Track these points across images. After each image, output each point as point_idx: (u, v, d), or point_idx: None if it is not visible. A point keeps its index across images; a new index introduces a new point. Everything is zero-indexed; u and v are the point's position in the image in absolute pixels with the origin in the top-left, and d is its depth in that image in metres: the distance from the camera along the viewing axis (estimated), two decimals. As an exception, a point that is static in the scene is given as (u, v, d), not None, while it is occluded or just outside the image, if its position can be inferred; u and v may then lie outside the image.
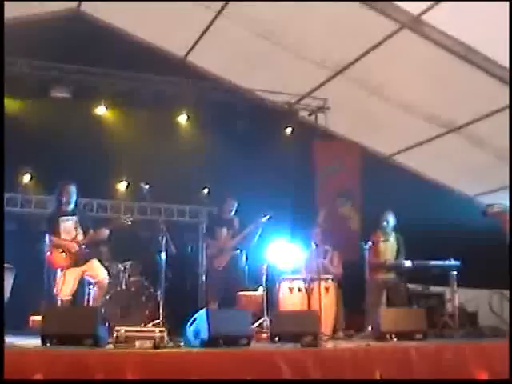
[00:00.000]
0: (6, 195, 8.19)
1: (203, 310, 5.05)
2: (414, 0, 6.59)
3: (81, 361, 3.82)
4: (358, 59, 7.78)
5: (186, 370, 4.00)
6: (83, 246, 6.20)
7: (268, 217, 6.97)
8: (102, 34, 8.38)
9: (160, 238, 6.15)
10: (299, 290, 6.94)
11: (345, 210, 9.08)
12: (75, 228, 6.26)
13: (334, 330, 6.71)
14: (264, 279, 6.93)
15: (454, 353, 4.73)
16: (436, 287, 8.06)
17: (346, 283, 7.24)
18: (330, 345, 5.30)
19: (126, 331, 4.88)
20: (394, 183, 8.61)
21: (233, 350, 4.57)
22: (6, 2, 5.62)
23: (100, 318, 4.88)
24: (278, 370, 4.14)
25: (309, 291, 6.91)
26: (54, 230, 6.21)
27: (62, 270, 6.08)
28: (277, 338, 5.28)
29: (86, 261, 6.24)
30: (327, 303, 6.73)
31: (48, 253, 6.05)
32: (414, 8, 6.72)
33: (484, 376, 4.59)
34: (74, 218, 6.31)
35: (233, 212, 7.21)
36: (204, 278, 7.30)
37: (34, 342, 4.68)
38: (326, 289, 6.89)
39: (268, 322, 6.19)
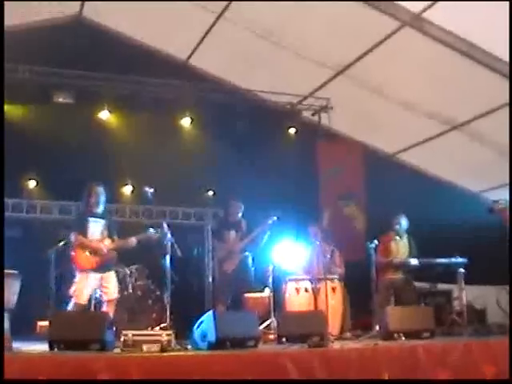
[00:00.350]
0: (11, 201, 8.22)
1: (210, 313, 5.05)
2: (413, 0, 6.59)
3: (88, 365, 3.83)
4: (359, 58, 7.78)
5: (194, 372, 3.99)
6: (111, 252, 6.05)
7: (275, 218, 6.96)
8: (103, 39, 8.40)
9: (165, 241, 6.14)
10: (306, 290, 6.94)
11: (349, 209, 9.07)
12: (102, 232, 6.09)
13: (341, 330, 6.70)
14: (270, 280, 6.92)
15: (462, 351, 4.70)
16: (443, 285, 8.03)
17: (353, 283, 7.22)
18: (337, 345, 5.28)
19: (134, 335, 4.88)
20: (398, 181, 8.60)
21: (240, 351, 4.57)
22: (6, 9, 5.61)
23: (107, 323, 4.88)
24: (286, 371, 4.13)
25: (315, 291, 6.91)
26: (82, 230, 6.02)
27: (82, 272, 5.90)
28: (284, 339, 5.28)
29: (108, 270, 6.06)
30: (334, 303, 6.72)
31: (73, 252, 5.92)
32: (414, 6, 6.71)
33: (492, 373, 4.56)
34: (103, 221, 6.13)
35: (240, 214, 7.21)
36: (211, 280, 7.30)
37: (42, 347, 4.69)
38: (333, 289, 6.88)
39: (275, 323, 6.17)
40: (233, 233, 7.11)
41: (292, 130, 8.97)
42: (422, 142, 9.03)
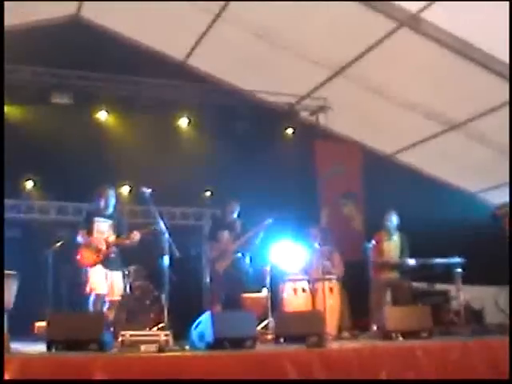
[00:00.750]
0: (10, 202, 8.21)
1: (208, 313, 5.05)
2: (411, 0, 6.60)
3: (86, 366, 3.82)
4: (357, 58, 7.79)
5: (192, 373, 3.99)
6: (112, 247, 6.15)
7: (270, 220, 6.96)
8: (101, 39, 8.41)
9: (163, 241, 6.14)
10: (303, 290, 6.95)
11: (348, 210, 9.07)
12: (108, 231, 6.22)
13: (339, 330, 6.70)
14: (268, 280, 6.92)
15: (460, 351, 4.71)
16: (441, 285, 8.04)
17: (351, 283, 7.23)
18: (335, 345, 5.28)
19: (131, 335, 4.89)
20: (396, 181, 8.62)
21: (238, 352, 4.56)
22: (6, 9, 5.62)
23: (105, 323, 4.88)
24: (284, 372, 4.13)
25: (313, 292, 6.92)
26: (88, 230, 6.18)
27: (90, 268, 6.03)
28: (282, 339, 5.28)
29: (115, 269, 6.19)
30: (332, 303, 6.74)
31: (79, 251, 6.04)
32: (412, 6, 6.72)
33: (490, 373, 4.57)
34: (110, 221, 6.28)
35: (235, 214, 7.21)
36: (208, 280, 7.31)
37: (40, 347, 4.69)
38: (331, 289, 6.89)
39: (273, 324, 6.18)
40: (226, 233, 7.11)
41: (290, 131, 8.98)
42: (420, 142, 9.05)
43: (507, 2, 6.10)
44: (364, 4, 6.82)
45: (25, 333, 6.39)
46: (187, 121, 8.56)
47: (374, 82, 8.09)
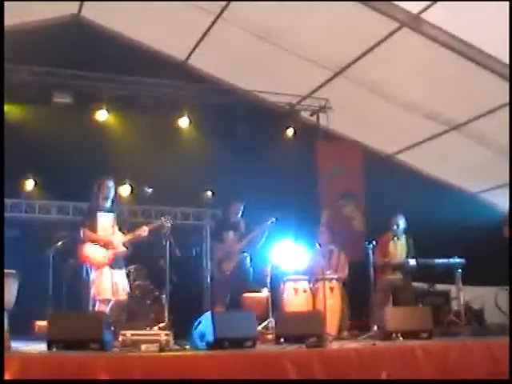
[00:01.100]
0: (10, 201, 8.22)
1: (208, 313, 5.05)
2: (412, 0, 6.59)
3: (87, 365, 3.83)
4: (358, 59, 7.79)
5: (192, 372, 4.00)
6: (121, 246, 6.05)
7: (274, 219, 6.97)
8: (102, 39, 8.40)
9: (164, 241, 6.14)
10: (304, 290, 6.95)
11: (348, 210, 9.07)
12: (112, 226, 6.10)
13: (339, 331, 6.70)
14: (269, 280, 6.92)
15: (461, 351, 4.71)
16: (441, 285, 8.04)
17: (351, 283, 7.23)
18: (335, 345, 5.29)
19: (132, 335, 4.88)
20: (397, 182, 8.61)
21: (238, 352, 4.57)
22: (6, 9, 5.61)
23: (106, 323, 4.88)
24: (284, 372, 4.13)
25: (313, 292, 6.92)
26: (91, 225, 6.03)
27: (97, 270, 5.89)
28: (282, 339, 5.28)
29: (120, 268, 6.07)
30: (332, 303, 6.74)
31: (83, 248, 5.91)
32: (413, 6, 6.71)
33: (490, 373, 4.57)
34: (112, 214, 6.15)
35: (239, 214, 7.22)
36: (209, 280, 7.31)
37: (40, 346, 4.69)
38: (331, 289, 6.89)
39: (273, 324, 6.18)
40: (231, 233, 7.13)
41: (291, 131, 8.98)
42: (421, 142, 9.05)
43: (507, 2, 6.09)
44: (365, 4, 6.82)
45: (25, 332, 6.40)
46: (188, 121, 8.55)
47: (375, 82, 8.09)
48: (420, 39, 7.02)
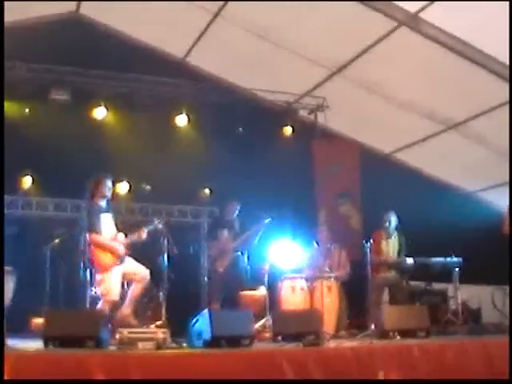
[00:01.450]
0: (7, 198, 8.19)
1: (205, 311, 5.05)
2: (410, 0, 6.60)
3: (83, 363, 3.82)
4: (356, 58, 7.78)
5: (189, 370, 4.00)
6: (125, 247, 6.02)
7: (269, 219, 6.98)
8: (100, 36, 8.38)
9: (162, 238, 6.13)
10: (301, 289, 6.95)
11: (345, 209, 9.08)
12: (112, 226, 6.06)
13: (337, 329, 6.70)
14: (266, 278, 6.93)
15: (458, 350, 4.72)
16: (439, 284, 8.06)
17: (349, 282, 7.24)
18: (332, 344, 5.29)
19: (129, 333, 4.87)
20: (394, 181, 8.62)
21: (235, 350, 4.57)
22: (6, 8, 5.60)
23: (102, 320, 4.87)
24: (281, 370, 4.13)
25: (311, 290, 6.93)
26: (96, 228, 5.93)
27: (104, 271, 5.85)
28: (279, 338, 5.28)
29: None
30: (330, 302, 6.74)
31: (91, 253, 5.80)
32: (411, 5, 6.71)
33: (487, 373, 4.58)
34: (110, 214, 6.11)
35: (235, 214, 7.22)
36: (206, 278, 7.32)
37: (36, 344, 4.68)
38: (329, 287, 6.89)
39: (270, 322, 6.18)
40: (226, 232, 7.14)
41: (288, 129, 8.97)
42: (419, 141, 9.05)
43: (507, 2, 6.09)
44: (363, 4, 6.81)
45: (22, 329, 6.38)
46: (186, 119, 8.54)
47: (373, 81, 8.09)
48: (418, 38, 7.02)
